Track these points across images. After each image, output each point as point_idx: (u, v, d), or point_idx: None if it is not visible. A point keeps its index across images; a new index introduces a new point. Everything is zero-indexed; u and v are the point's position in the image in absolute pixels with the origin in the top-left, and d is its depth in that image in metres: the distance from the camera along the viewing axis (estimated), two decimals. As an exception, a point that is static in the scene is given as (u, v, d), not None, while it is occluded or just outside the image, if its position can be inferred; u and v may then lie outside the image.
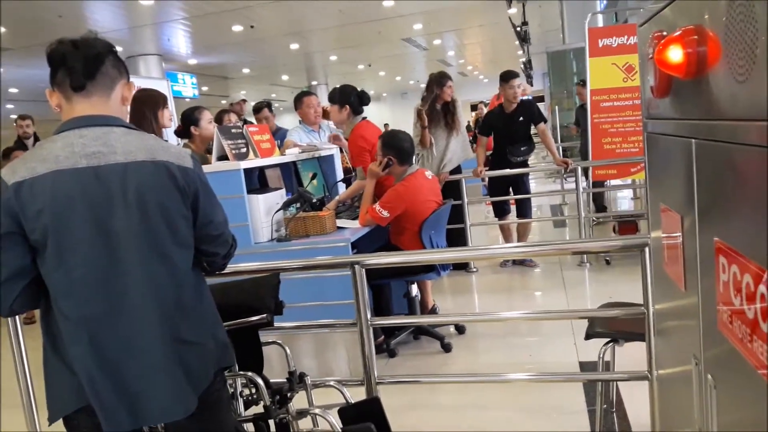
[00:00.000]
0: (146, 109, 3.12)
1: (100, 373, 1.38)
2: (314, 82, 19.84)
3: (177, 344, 1.45)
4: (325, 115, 5.17)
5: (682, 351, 1.25)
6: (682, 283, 1.23)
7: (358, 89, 4.17)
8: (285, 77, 18.60)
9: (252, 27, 10.61)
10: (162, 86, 7.84)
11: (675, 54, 1.03)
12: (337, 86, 4.16)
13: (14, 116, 18.95)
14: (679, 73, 1.03)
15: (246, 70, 16.27)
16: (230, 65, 15.25)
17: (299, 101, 4.94)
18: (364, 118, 4.15)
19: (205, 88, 15.70)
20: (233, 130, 3.60)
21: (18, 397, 2.34)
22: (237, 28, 10.67)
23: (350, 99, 4.04)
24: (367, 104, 4.14)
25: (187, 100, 12.72)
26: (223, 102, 23.60)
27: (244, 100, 7.21)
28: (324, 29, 12.02)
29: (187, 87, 13.23)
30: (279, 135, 5.31)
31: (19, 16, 8.50)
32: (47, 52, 1.46)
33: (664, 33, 1.14)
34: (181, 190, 1.47)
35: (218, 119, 4.81)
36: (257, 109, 6.23)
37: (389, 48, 15.13)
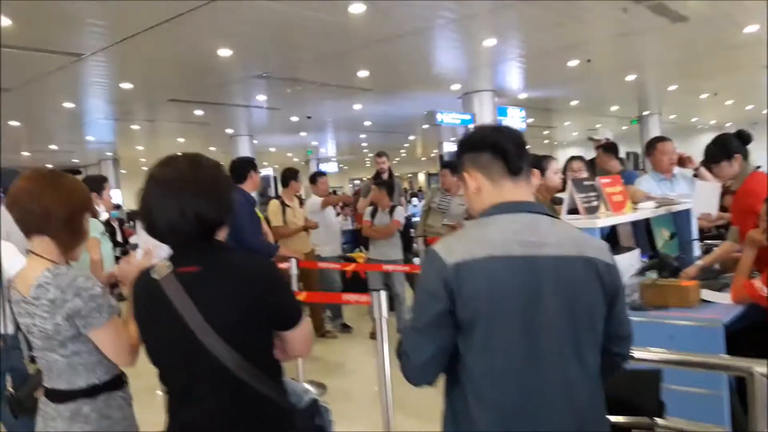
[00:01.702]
0: None
1: None
2: (646, 112, 18.52)
3: None
4: (681, 162, 4.65)
5: None
6: None
7: (737, 132, 3.56)
8: (614, 108, 17.74)
9: (588, 61, 10.32)
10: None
11: None
12: (718, 137, 3.55)
13: (365, 144, 21.91)
14: None
15: (574, 102, 15.97)
16: (559, 98, 15.15)
17: (652, 147, 4.54)
18: (757, 168, 3.50)
19: (530, 120, 15.87)
20: (585, 183, 3.44)
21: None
22: (573, 63, 10.50)
23: (736, 147, 3.44)
24: (748, 143, 3.51)
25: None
26: (546, 132, 23.63)
27: (607, 140, 6.56)
28: (666, 60, 11.09)
29: (516, 120, 13.56)
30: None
31: (378, 61, 9.71)
32: (471, 136, 1.55)
33: None
34: (605, 289, 1.42)
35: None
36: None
37: (744, 76, 13.24)
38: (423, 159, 31.85)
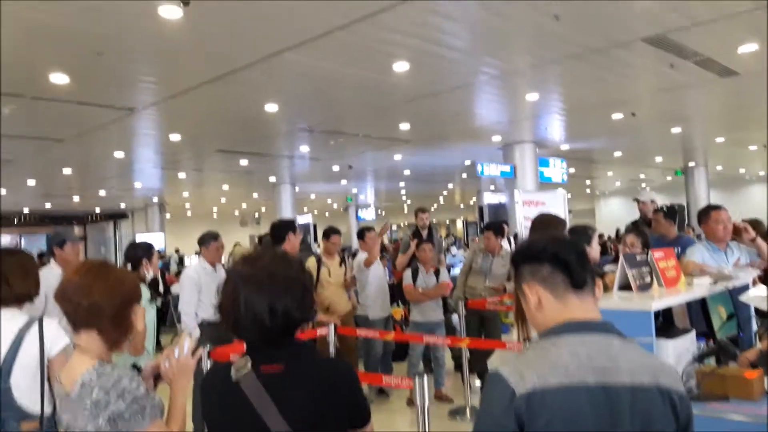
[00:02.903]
0: None
1: None
2: (691, 163, 18.13)
3: None
4: (736, 231, 4.46)
5: None
6: None
7: None
8: (658, 159, 17.43)
9: (633, 115, 10.19)
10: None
11: None
12: None
13: (403, 192, 21.83)
14: None
15: (617, 153, 15.75)
16: (601, 149, 14.97)
17: (706, 215, 4.36)
18: None
19: (571, 170, 15.69)
20: (638, 258, 3.33)
21: None
22: (617, 116, 10.39)
23: None
24: None
25: (551, 183, 12.92)
26: (588, 182, 23.28)
27: (653, 202, 6.37)
28: (714, 113, 10.90)
29: (557, 170, 13.42)
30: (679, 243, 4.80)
31: (420, 115, 9.77)
32: (528, 246, 1.48)
33: None
34: (678, 421, 1.35)
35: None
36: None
37: (798, 127, 12.87)
38: (461, 206, 31.76)
